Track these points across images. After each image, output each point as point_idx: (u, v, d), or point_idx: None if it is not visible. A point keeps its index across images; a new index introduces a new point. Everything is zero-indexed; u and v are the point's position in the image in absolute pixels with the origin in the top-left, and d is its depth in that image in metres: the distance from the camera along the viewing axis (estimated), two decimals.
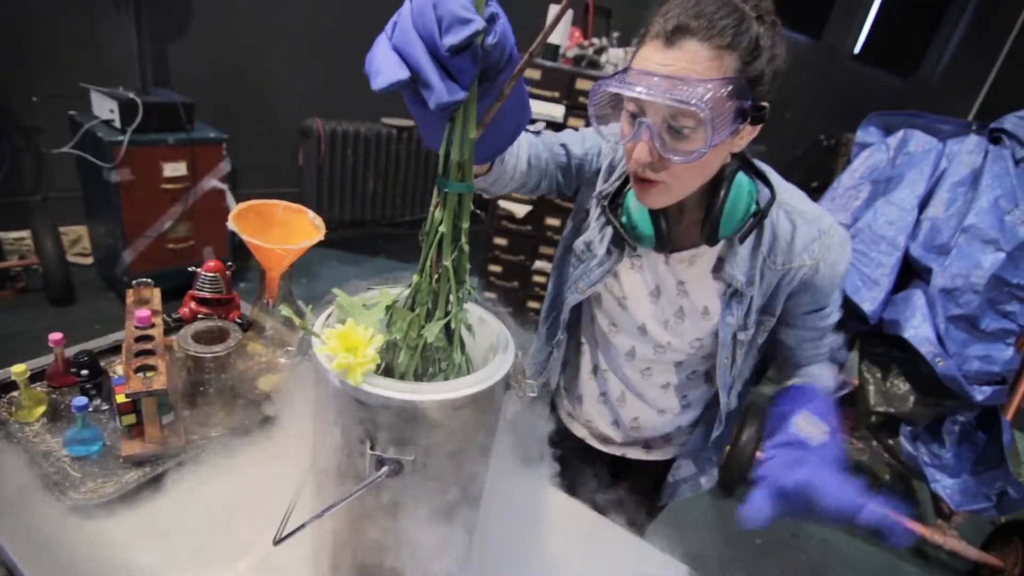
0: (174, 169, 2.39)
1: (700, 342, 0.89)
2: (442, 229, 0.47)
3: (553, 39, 2.63)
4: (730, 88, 0.63)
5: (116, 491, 0.73)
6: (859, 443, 2.67)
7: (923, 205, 1.98)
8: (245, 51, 2.88)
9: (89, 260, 2.79)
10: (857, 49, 5.83)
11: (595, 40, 2.66)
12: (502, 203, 2.82)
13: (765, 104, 0.68)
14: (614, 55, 2.65)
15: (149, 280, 0.95)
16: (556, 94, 2.60)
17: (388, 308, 0.52)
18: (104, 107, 2.27)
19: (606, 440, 1.08)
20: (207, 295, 0.98)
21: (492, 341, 0.58)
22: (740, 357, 0.89)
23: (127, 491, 0.74)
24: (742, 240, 0.78)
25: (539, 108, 2.57)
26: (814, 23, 5.32)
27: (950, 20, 6.05)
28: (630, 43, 2.72)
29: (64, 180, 2.57)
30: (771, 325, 0.87)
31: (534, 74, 2.58)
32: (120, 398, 0.78)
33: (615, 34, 2.81)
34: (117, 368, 0.96)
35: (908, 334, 1.86)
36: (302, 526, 0.51)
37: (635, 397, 1.00)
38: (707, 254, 0.83)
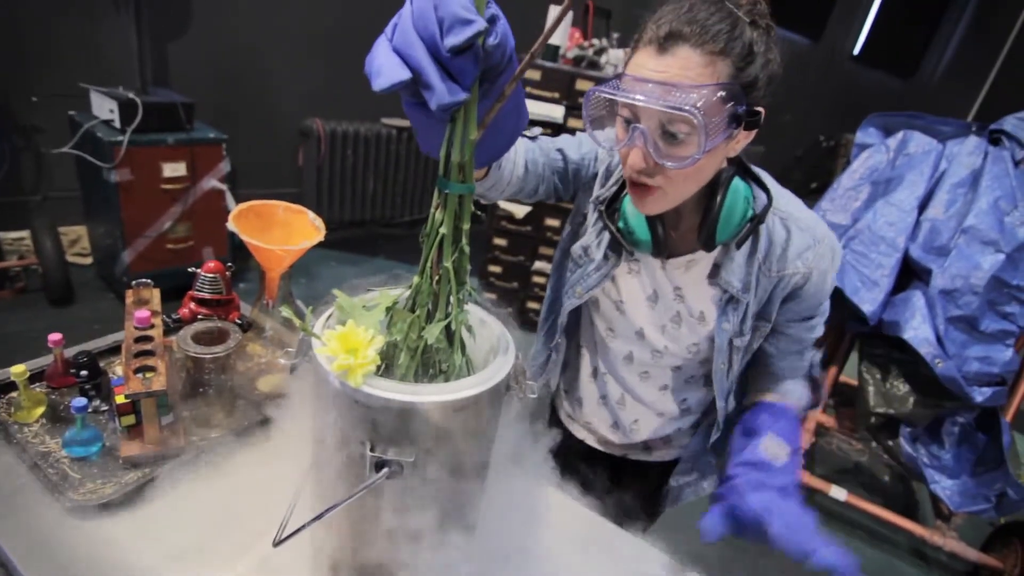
0: (174, 169, 2.38)
1: (697, 347, 0.89)
2: (443, 230, 0.47)
3: (553, 40, 2.63)
4: (723, 94, 0.63)
5: (115, 492, 0.73)
6: (859, 444, 2.68)
7: (923, 206, 1.98)
8: (245, 51, 2.88)
9: (88, 260, 2.79)
10: (857, 50, 5.84)
11: (595, 41, 2.66)
12: (502, 204, 2.82)
13: (759, 109, 0.68)
14: (614, 56, 2.65)
15: (149, 281, 0.95)
16: (556, 95, 2.60)
17: (388, 309, 0.52)
18: (104, 107, 2.26)
19: (606, 442, 1.08)
20: (207, 296, 0.97)
21: (493, 343, 0.58)
22: (737, 363, 0.89)
23: (126, 492, 0.74)
24: (739, 245, 0.78)
25: (539, 109, 2.57)
26: (814, 24, 5.33)
27: (950, 21, 6.06)
28: (630, 44, 2.72)
29: (63, 180, 2.57)
30: (767, 331, 0.87)
31: (534, 75, 2.58)
32: (119, 399, 0.78)
33: (615, 35, 2.81)
34: (116, 369, 0.96)
35: (908, 335, 1.86)
36: (302, 528, 0.50)
37: (634, 400, 1.00)
38: (703, 260, 0.83)
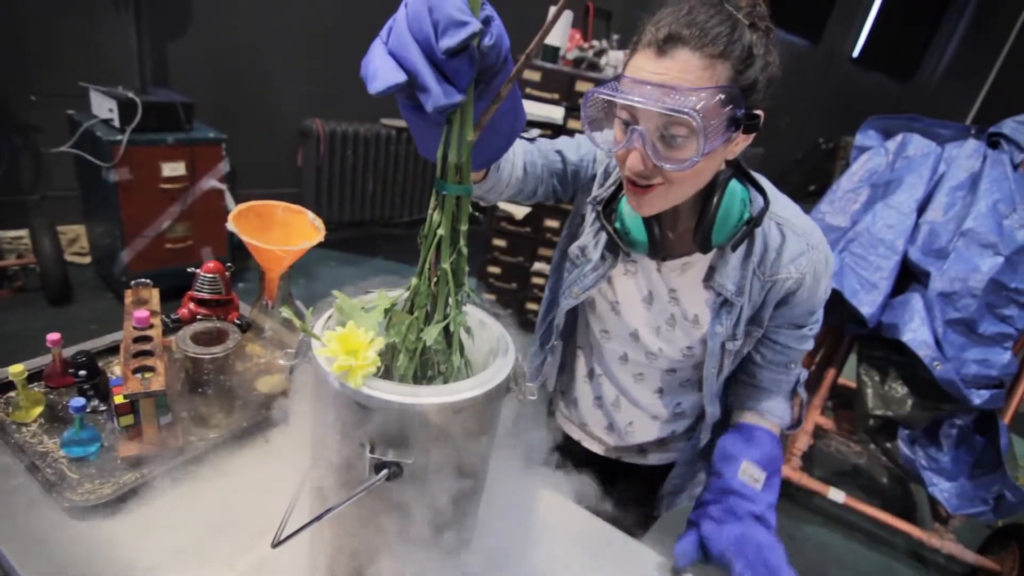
0: (173, 169, 2.38)
1: (691, 350, 0.89)
2: (440, 232, 0.47)
3: (553, 41, 2.63)
4: (722, 97, 0.63)
5: (114, 492, 0.73)
6: (857, 446, 2.68)
7: (922, 209, 1.98)
8: (245, 51, 2.88)
9: (87, 260, 2.79)
10: (856, 53, 5.85)
11: (595, 42, 2.66)
12: (501, 205, 2.82)
13: (759, 112, 0.68)
14: (614, 58, 2.65)
15: (148, 280, 0.95)
16: (556, 96, 2.60)
17: (387, 311, 0.52)
18: (103, 106, 2.26)
19: (602, 444, 1.08)
20: (206, 296, 0.97)
21: (492, 344, 0.58)
22: (728, 367, 0.89)
23: (125, 492, 0.74)
24: (734, 248, 0.78)
25: (539, 110, 2.57)
26: (813, 27, 5.34)
27: (949, 22, 6.07)
28: (629, 46, 2.72)
29: (62, 179, 2.57)
30: (759, 336, 0.87)
31: (534, 76, 2.58)
32: (118, 399, 0.78)
33: (615, 36, 2.81)
34: (115, 369, 0.96)
35: (906, 338, 1.86)
36: (301, 529, 0.50)
37: (629, 403, 1.00)
38: (699, 263, 0.83)
